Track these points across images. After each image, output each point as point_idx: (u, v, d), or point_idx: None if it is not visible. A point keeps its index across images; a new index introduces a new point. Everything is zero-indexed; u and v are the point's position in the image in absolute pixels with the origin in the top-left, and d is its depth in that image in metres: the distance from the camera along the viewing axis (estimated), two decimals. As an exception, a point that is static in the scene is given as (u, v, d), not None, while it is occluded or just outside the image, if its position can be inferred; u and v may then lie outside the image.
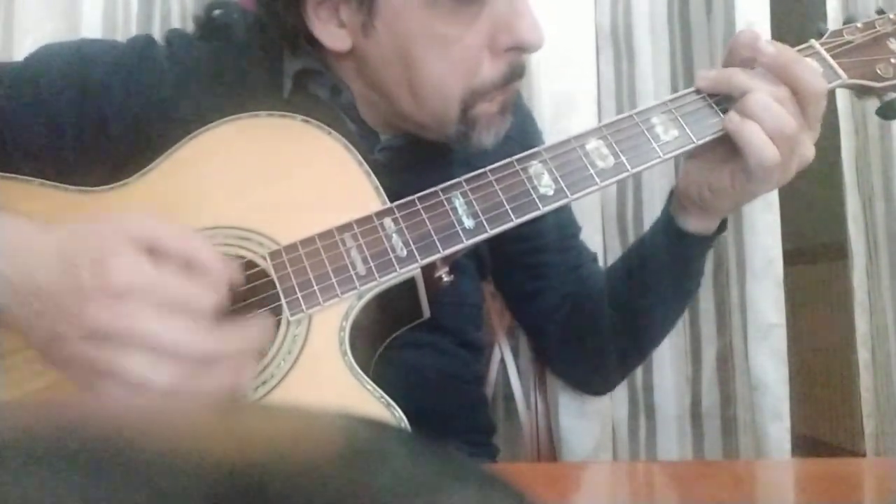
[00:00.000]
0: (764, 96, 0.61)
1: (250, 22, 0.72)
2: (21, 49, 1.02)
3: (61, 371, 0.49)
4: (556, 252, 0.85)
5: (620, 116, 0.66)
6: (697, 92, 0.66)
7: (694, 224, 0.72)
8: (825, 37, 0.71)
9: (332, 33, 0.66)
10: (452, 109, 0.65)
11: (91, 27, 1.05)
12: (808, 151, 0.65)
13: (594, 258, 0.90)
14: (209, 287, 0.49)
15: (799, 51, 0.69)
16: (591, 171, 0.63)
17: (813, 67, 0.66)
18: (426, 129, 0.69)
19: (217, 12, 0.75)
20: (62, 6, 1.07)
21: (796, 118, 0.62)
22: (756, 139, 0.61)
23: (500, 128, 0.68)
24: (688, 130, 0.65)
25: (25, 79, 0.68)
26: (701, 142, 0.64)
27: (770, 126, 0.61)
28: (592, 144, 0.64)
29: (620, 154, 0.63)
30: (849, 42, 0.70)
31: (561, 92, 1.04)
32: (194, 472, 0.13)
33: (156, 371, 0.47)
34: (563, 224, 0.87)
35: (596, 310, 0.81)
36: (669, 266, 0.76)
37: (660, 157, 0.63)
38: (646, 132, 0.64)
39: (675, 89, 1.12)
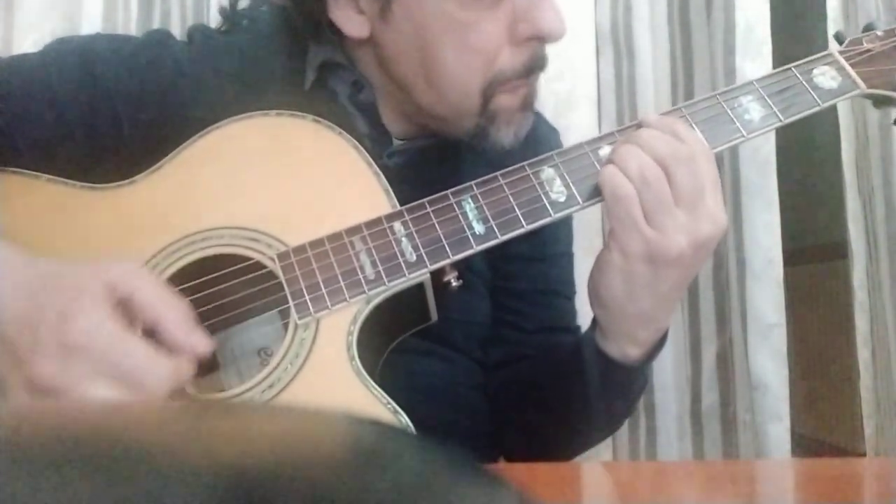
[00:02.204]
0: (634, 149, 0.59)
1: (276, 12, 0.72)
2: (21, 49, 1.02)
3: None
4: (530, 303, 0.78)
5: (635, 122, 0.65)
6: (714, 98, 0.66)
7: (612, 348, 0.65)
8: (844, 45, 0.70)
9: (350, 19, 0.65)
10: (473, 100, 0.64)
11: (91, 27, 1.05)
12: (701, 225, 0.59)
13: (575, 330, 0.80)
14: (168, 364, 0.48)
15: (818, 59, 0.68)
16: None
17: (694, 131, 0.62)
18: (446, 122, 0.67)
19: (244, 4, 0.74)
20: (62, 6, 1.07)
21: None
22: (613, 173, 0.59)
23: (519, 126, 0.66)
24: (702, 139, 0.64)
25: (38, 73, 0.67)
26: (716, 150, 0.63)
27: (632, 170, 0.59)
28: (606, 150, 0.63)
29: None
30: (868, 50, 0.69)
31: (561, 92, 1.04)
32: (198, 475, 0.13)
33: None
34: (554, 278, 0.81)
35: (541, 385, 0.73)
36: (590, 385, 0.67)
37: None
38: None
39: (674, 89, 1.12)
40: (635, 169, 0.58)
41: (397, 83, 0.67)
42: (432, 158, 0.71)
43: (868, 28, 0.71)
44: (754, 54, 1.01)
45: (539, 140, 0.80)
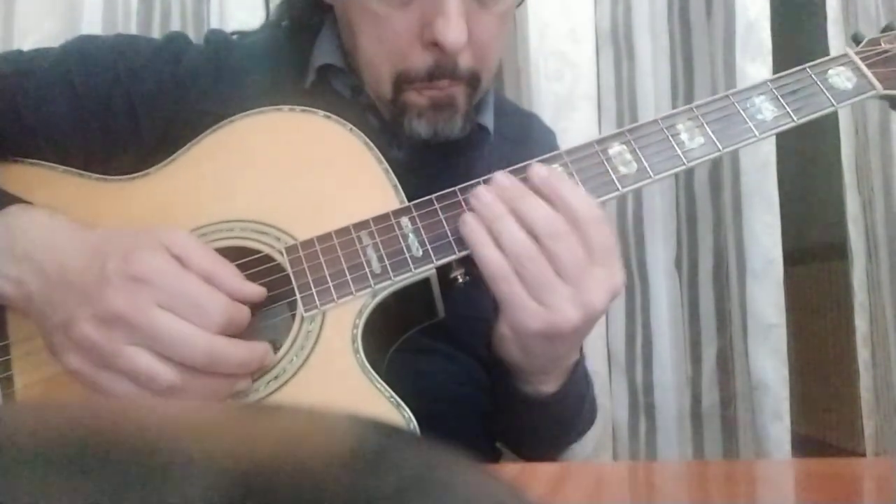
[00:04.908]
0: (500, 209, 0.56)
1: (288, 20, 0.76)
2: (21, 49, 1.02)
3: (65, 361, 0.50)
4: None
5: (645, 122, 0.65)
6: (726, 98, 0.66)
7: (524, 388, 0.65)
8: (861, 45, 0.69)
9: None
10: (385, 88, 0.66)
11: (91, 27, 1.05)
12: (593, 296, 0.55)
13: None
14: (225, 298, 0.51)
15: (833, 59, 0.67)
16: (613, 177, 0.62)
17: (580, 192, 0.58)
18: (377, 107, 0.70)
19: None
20: (62, 6, 1.07)
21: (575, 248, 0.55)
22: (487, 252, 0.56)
23: (435, 122, 0.67)
24: (713, 138, 0.63)
25: (59, 67, 0.68)
26: (728, 150, 0.63)
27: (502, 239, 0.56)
28: (615, 149, 0.63)
29: (644, 160, 0.62)
30: (886, 51, 0.68)
31: (561, 92, 1.04)
32: (202, 475, 0.13)
33: (154, 366, 0.49)
34: None
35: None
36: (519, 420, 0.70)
37: (683, 163, 0.63)
38: (670, 138, 0.64)
39: (674, 89, 1.12)
40: (509, 245, 0.56)
41: (348, 61, 0.71)
42: (441, 151, 0.72)
43: (888, 28, 0.70)
44: (754, 54, 1.01)
45: (536, 140, 0.81)
